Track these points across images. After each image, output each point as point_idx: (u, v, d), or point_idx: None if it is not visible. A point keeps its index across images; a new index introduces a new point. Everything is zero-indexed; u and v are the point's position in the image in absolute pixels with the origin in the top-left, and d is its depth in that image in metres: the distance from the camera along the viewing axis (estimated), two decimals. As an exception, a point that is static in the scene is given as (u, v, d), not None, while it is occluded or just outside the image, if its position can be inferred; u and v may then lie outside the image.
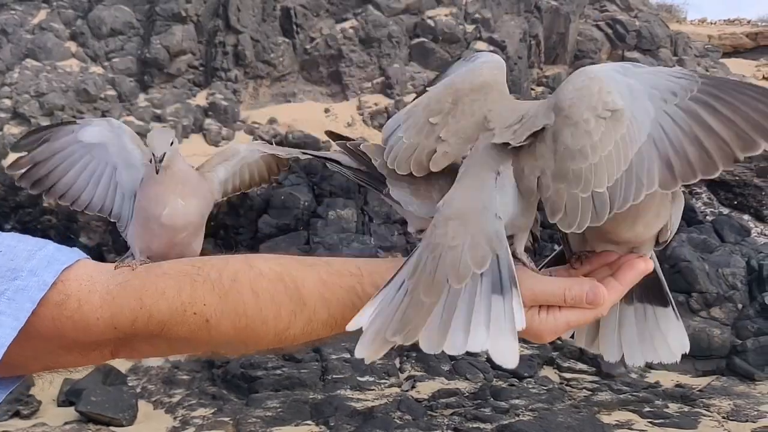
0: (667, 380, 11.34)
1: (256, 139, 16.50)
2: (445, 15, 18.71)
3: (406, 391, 10.71)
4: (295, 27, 17.88)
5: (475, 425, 9.65)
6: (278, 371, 10.92)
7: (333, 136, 1.34)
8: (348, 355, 11.12)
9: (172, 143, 1.30)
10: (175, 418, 10.51)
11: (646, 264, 1.11)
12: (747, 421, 10.11)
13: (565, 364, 11.35)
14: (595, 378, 11.33)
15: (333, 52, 17.95)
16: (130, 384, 11.31)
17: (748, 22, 28.40)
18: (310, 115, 17.16)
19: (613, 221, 1.11)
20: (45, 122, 15.76)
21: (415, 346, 0.93)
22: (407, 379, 11.07)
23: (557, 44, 19.93)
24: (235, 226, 15.04)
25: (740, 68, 22.96)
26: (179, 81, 17.22)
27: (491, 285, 0.93)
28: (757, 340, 11.96)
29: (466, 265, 0.94)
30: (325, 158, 1.24)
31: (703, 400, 10.72)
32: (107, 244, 14.53)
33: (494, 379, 11.05)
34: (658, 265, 1.20)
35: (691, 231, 15.26)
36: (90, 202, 1.34)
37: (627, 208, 0.98)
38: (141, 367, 11.69)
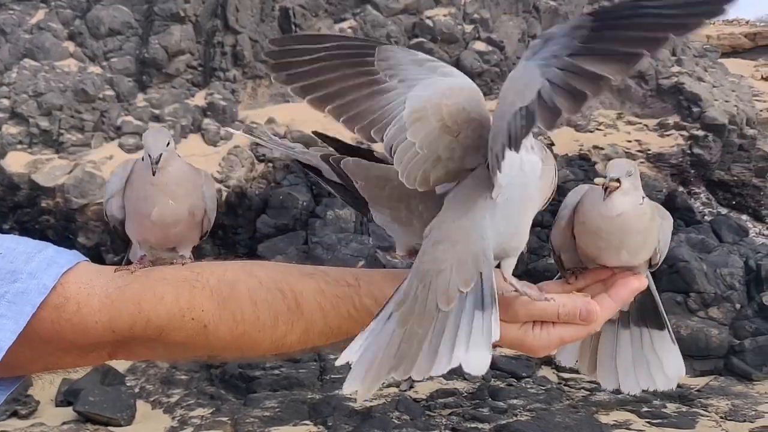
0: (665, 380, 11.36)
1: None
2: (444, 15, 18.71)
3: (405, 391, 10.71)
4: (293, 27, 17.87)
5: (473, 425, 9.66)
6: (276, 371, 10.93)
7: (320, 136, 1.29)
8: (346, 355, 11.10)
9: (168, 144, 1.27)
10: (173, 418, 10.51)
11: (639, 282, 1.12)
12: (745, 420, 10.14)
13: (563, 365, 11.37)
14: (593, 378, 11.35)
15: (331, 52, 17.95)
16: (128, 384, 11.31)
17: (747, 22, 28.46)
18: (309, 115, 17.04)
19: (597, 248, 1.12)
20: (43, 122, 15.77)
21: None
22: (405, 379, 11.07)
23: (556, 44, 19.95)
24: (233, 226, 15.04)
25: (738, 68, 22.98)
26: (178, 81, 17.21)
27: (474, 302, 0.95)
28: (754, 340, 11.98)
29: (454, 287, 0.96)
30: (307, 166, 1.22)
31: (701, 400, 10.75)
32: (105, 244, 14.52)
33: (492, 380, 11.05)
34: (654, 286, 1.20)
35: (690, 231, 15.28)
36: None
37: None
38: (139, 368, 11.69)
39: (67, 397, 10.60)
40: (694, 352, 11.79)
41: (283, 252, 13.15)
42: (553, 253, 1.22)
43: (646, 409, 10.22)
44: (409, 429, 9.42)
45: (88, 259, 1.13)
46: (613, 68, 0.89)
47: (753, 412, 10.40)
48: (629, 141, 19.03)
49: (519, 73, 0.98)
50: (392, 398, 10.40)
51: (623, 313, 1.21)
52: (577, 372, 1.32)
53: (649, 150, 18.84)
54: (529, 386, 11.07)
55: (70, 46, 17.25)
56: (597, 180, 1.13)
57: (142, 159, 1.28)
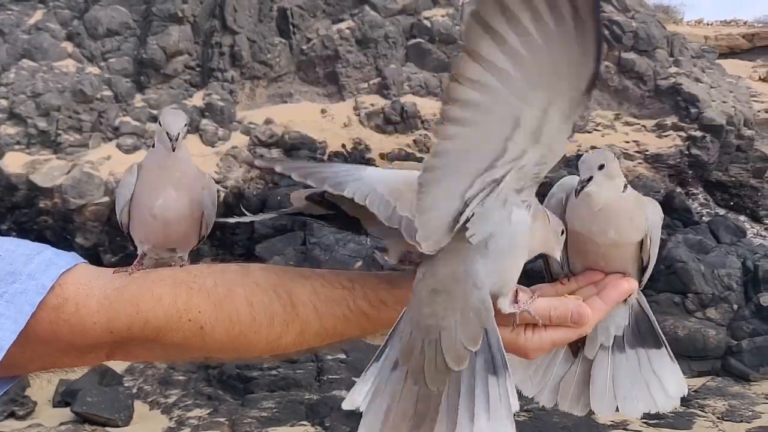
0: (663, 381, 11.37)
1: (253, 140, 16.51)
2: (442, 16, 18.73)
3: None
4: (291, 27, 17.88)
5: (470, 426, 9.66)
6: (274, 372, 10.93)
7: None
8: (343, 356, 11.12)
9: (185, 125, 1.31)
10: (170, 419, 10.51)
11: (629, 284, 1.13)
12: (742, 421, 10.15)
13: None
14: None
15: (329, 53, 17.96)
16: (126, 384, 11.30)
17: (745, 23, 28.52)
18: (307, 115, 17.16)
19: (586, 224, 1.12)
20: (41, 123, 15.77)
21: None
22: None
23: (554, 45, 19.97)
24: (231, 226, 15.04)
25: (736, 69, 23.02)
26: (176, 81, 17.21)
27: (485, 364, 0.96)
28: (752, 341, 12.00)
29: (462, 346, 0.97)
30: (294, 214, 1.25)
31: (698, 400, 10.76)
32: (103, 244, 14.52)
33: (490, 380, 11.07)
34: (647, 305, 1.21)
35: (687, 232, 15.29)
36: None
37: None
38: (137, 368, 11.69)
39: (65, 397, 10.59)
40: (691, 353, 11.81)
41: (281, 253, 13.16)
42: (543, 259, 1.22)
43: (643, 409, 10.24)
44: None
45: (86, 261, 1.15)
46: None
47: (750, 413, 10.41)
48: (627, 142, 19.06)
49: None
50: (390, 399, 10.40)
51: (618, 338, 1.21)
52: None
53: (646, 151, 18.86)
54: (526, 387, 11.09)
55: (68, 46, 17.25)
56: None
57: (153, 146, 1.32)
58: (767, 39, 25.93)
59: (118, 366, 11.40)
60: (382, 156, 16.80)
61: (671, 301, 12.38)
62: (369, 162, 16.42)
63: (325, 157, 16.44)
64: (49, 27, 17.25)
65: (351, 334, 1.13)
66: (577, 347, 1.22)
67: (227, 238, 14.88)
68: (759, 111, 21.45)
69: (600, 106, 19.92)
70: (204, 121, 16.59)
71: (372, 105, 17.67)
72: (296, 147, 16.38)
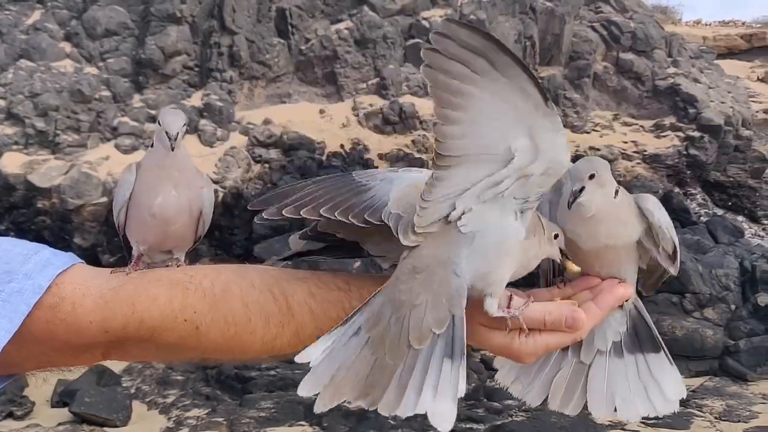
0: (661, 381, 11.38)
1: (252, 140, 16.51)
2: (440, 16, 18.73)
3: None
4: (290, 28, 17.88)
5: (468, 425, 9.67)
6: (272, 372, 10.93)
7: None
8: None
9: (184, 125, 1.32)
10: (169, 419, 10.51)
11: (625, 289, 1.14)
12: (739, 421, 10.17)
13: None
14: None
15: (328, 53, 17.96)
16: (124, 385, 11.30)
17: (743, 23, 28.55)
18: (305, 116, 17.16)
19: (578, 231, 1.13)
20: (39, 123, 15.76)
21: None
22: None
23: (552, 45, 19.97)
24: (230, 226, 15.04)
25: (734, 69, 23.05)
26: (174, 82, 17.21)
27: (445, 347, 0.99)
28: (749, 341, 12.01)
29: (428, 327, 0.99)
30: (295, 256, 1.26)
31: (696, 400, 10.77)
32: (102, 244, 14.51)
33: (488, 380, 11.07)
34: (645, 310, 1.21)
35: (685, 232, 15.32)
36: None
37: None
38: (135, 368, 11.69)
39: (63, 397, 10.59)
40: (689, 353, 11.82)
41: (280, 253, 13.13)
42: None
43: (641, 409, 10.24)
44: (404, 429, 9.43)
45: (83, 261, 1.15)
46: None
47: (747, 413, 10.43)
48: (625, 142, 19.08)
49: None
50: (388, 399, 10.41)
51: (616, 344, 1.21)
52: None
53: (645, 151, 18.88)
54: (524, 387, 11.09)
55: (67, 46, 17.24)
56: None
57: (152, 146, 1.33)
58: (765, 39, 25.96)
59: (117, 366, 11.40)
60: (381, 156, 16.80)
61: (669, 302, 12.39)
62: (367, 162, 16.41)
63: (324, 158, 16.44)
64: (47, 27, 17.24)
65: None
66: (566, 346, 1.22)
67: (226, 238, 14.89)
68: (757, 111, 21.48)
69: (598, 107, 19.93)
70: (202, 122, 16.58)
71: (370, 105, 17.68)
72: (295, 147, 16.38)
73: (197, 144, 16.06)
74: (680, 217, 17.06)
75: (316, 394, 0.97)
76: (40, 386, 10.22)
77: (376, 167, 16.56)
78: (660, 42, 20.64)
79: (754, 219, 19.37)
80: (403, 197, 1.11)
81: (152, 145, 1.33)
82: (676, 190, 18.69)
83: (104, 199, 14.37)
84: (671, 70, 20.27)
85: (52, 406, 10.70)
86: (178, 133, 1.29)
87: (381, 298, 1.02)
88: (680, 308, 12.47)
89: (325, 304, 1.11)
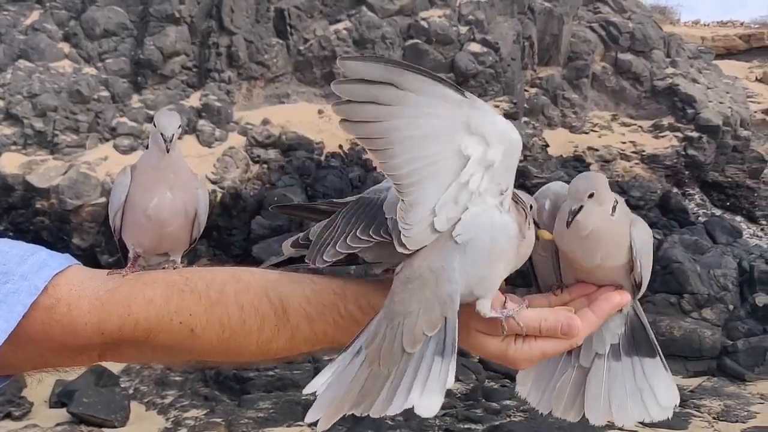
0: (659, 381, 11.39)
1: (250, 140, 16.51)
2: (439, 16, 18.74)
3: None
4: (288, 28, 17.89)
5: (466, 426, 9.68)
6: (270, 372, 10.93)
7: (282, 207, 1.42)
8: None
9: (179, 127, 1.32)
10: (167, 419, 10.51)
11: (621, 297, 1.13)
12: (737, 421, 10.18)
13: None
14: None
15: (327, 54, 17.96)
16: (122, 385, 11.30)
17: (741, 24, 28.57)
18: (304, 116, 17.16)
19: (574, 248, 1.13)
20: (38, 123, 15.75)
21: None
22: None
23: (551, 46, 19.99)
24: (228, 227, 15.04)
25: (733, 70, 23.07)
26: (173, 82, 17.21)
27: (436, 347, 1.00)
28: (747, 341, 12.02)
29: (420, 330, 1.00)
30: (287, 261, 1.26)
31: (694, 400, 10.78)
32: (100, 245, 14.51)
33: (486, 380, 11.08)
34: (642, 313, 1.21)
35: (683, 232, 15.33)
36: None
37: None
38: (134, 369, 11.68)
39: (61, 398, 10.58)
40: (687, 353, 11.83)
41: (278, 253, 13.14)
42: (531, 267, 1.23)
43: (639, 409, 10.24)
44: (402, 430, 9.43)
45: (80, 262, 1.16)
46: None
47: (745, 413, 10.44)
48: (624, 142, 19.09)
49: None
50: (387, 399, 10.40)
51: (614, 346, 1.21)
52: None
53: (643, 151, 18.89)
54: (523, 387, 11.09)
55: (65, 47, 17.23)
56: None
57: (146, 147, 1.33)
58: (764, 40, 25.98)
59: (115, 367, 11.39)
60: (379, 157, 16.78)
61: (667, 302, 12.40)
62: (366, 163, 16.42)
63: (322, 158, 16.44)
64: (45, 27, 17.23)
65: (341, 339, 1.13)
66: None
67: (224, 238, 14.89)
68: (755, 112, 21.50)
69: (597, 107, 19.95)
70: (201, 122, 16.58)
71: (369, 106, 17.66)
72: (293, 148, 16.37)
73: (196, 144, 16.06)
74: (678, 217, 17.07)
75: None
76: (39, 387, 10.22)
77: (374, 168, 16.56)
78: (658, 42, 20.65)
79: (752, 219, 19.39)
80: (395, 200, 1.11)
81: (147, 147, 1.33)
82: (675, 190, 18.70)
83: (103, 200, 14.37)
84: (669, 70, 20.29)
85: (51, 407, 10.69)
86: (173, 135, 1.29)
87: (379, 316, 1.03)
88: (678, 308, 12.48)
89: (321, 307, 1.11)
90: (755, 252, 14.90)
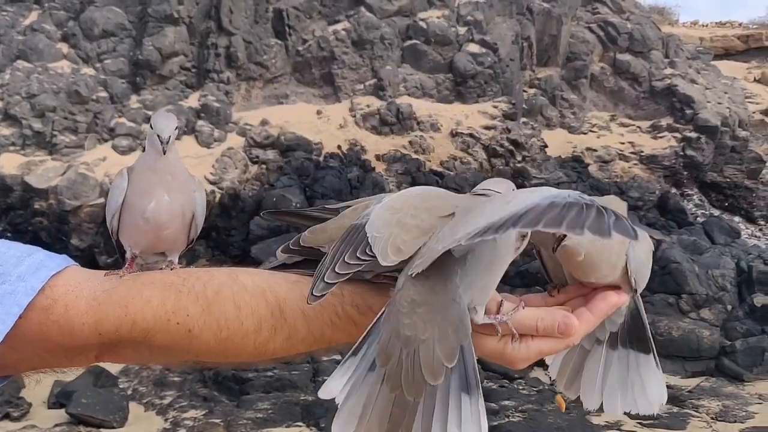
0: (657, 381, 11.40)
1: (249, 141, 16.51)
2: (438, 17, 18.75)
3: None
4: (287, 29, 17.89)
5: (465, 426, 9.66)
6: (269, 373, 10.93)
7: (274, 213, 1.40)
8: (339, 357, 11.12)
9: (176, 128, 1.32)
10: (166, 420, 10.50)
11: (619, 296, 1.13)
12: (735, 421, 10.18)
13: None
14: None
15: (325, 54, 17.97)
16: (121, 386, 11.29)
17: (740, 24, 28.58)
18: (303, 116, 17.16)
19: (567, 268, 1.13)
20: (36, 124, 15.75)
21: None
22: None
23: (549, 46, 20.01)
24: (226, 227, 15.04)
25: (731, 70, 23.09)
26: (171, 82, 17.21)
27: (459, 382, 0.99)
28: (746, 341, 12.02)
29: (439, 361, 0.99)
30: (280, 267, 1.26)
31: (692, 401, 10.78)
32: (98, 245, 14.50)
33: (485, 381, 11.08)
34: (642, 308, 1.21)
35: (682, 232, 15.34)
36: None
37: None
38: (132, 369, 11.68)
39: (60, 399, 10.58)
40: (685, 353, 11.84)
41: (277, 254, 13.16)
42: (539, 256, 1.23)
43: (637, 410, 10.25)
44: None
45: (77, 263, 1.16)
46: None
47: (743, 413, 10.44)
48: (622, 143, 19.11)
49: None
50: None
51: (612, 334, 1.21)
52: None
53: (642, 152, 18.91)
54: (521, 387, 11.11)
55: (64, 47, 17.24)
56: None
57: (144, 149, 1.33)
58: (762, 40, 25.99)
59: (113, 367, 11.39)
60: (378, 157, 16.81)
61: (665, 302, 12.41)
62: (364, 163, 16.42)
63: (321, 158, 16.44)
64: (44, 28, 17.23)
65: (339, 339, 1.13)
66: None
67: (222, 239, 14.89)
68: (754, 112, 21.52)
69: (595, 108, 19.97)
70: (200, 122, 16.58)
71: (368, 106, 17.69)
72: (292, 148, 16.37)
73: (194, 145, 16.06)
74: (677, 217, 17.09)
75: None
76: (37, 388, 10.21)
77: (373, 168, 16.57)
78: (657, 43, 20.67)
79: (750, 219, 19.41)
80: (377, 219, 1.10)
81: (144, 149, 1.33)
82: (673, 190, 18.73)
83: (101, 200, 14.36)
84: (668, 71, 20.31)
85: (49, 408, 10.69)
86: (170, 136, 1.29)
87: (386, 328, 1.02)
88: (677, 309, 12.49)
89: (318, 308, 1.10)
90: (753, 252, 14.91)
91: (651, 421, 9.91)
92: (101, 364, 10.73)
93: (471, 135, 17.49)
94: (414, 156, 16.97)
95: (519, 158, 17.36)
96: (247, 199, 15.33)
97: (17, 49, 16.89)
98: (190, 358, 1.17)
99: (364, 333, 1.03)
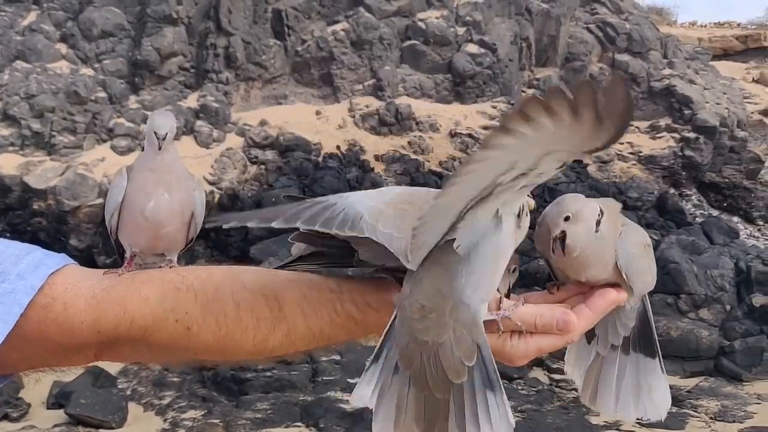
0: (656, 381, 11.41)
1: (248, 141, 16.51)
2: (437, 17, 18.76)
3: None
4: (286, 29, 17.89)
5: (464, 426, 9.67)
6: (268, 373, 10.93)
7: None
8: (338, 357, 11.13)
9: (174, 127, 1.32)
10: (165, 420, 10.50)
11: (618, 294, 1.13)
12: (734, 421, 10.20)
13: (555, 366, 11.39)
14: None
15: (324, 55, 17.97)
16: (120, 386, 11.29)
17: (738, 24, 28.59)
18: (302, 117, 17.16)
19: (563, 266, 1.14)
20: (35, 124, 15.75)
21: None
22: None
23: (548, 47, 20.01)
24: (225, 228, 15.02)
25: (730, 71, 23.10)
26: (170, 83, 17.20)
27: (482, 380, 1.02)
28: (744, 341, 12.04)
29: (459, 361, 1.01)
30: (290, 263, 1.25)
31: (691, 401, 10.80)
32: (97, 246, 14.50)
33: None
34: (650, 311, 1.21)
35: (680, 233, 15.34)
36: None
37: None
38: (131, 370, 11.67)
39: (59, 399, 10.58)
40: (684, 353, 11.85)
41: (276, 254, 13.15)
42: (546, 261, 1.23)
43: (636, 410, 10.26)
44: (400, 430, 9.43)
45: (76, 262, 1.16)
46: None
47: (742, 413, 10.46)
48: (621, 143, 19.10)
49: None
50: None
51: (625, 339, 1.21)
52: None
53: (640, 152, 18.92)
54: (520, 387, 11.12)
55: (62, 47, 17.23)
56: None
57: (143, 149, 1.33)
58: (760, 41, 26.01)
59: (112, 368, 11.39)
60: (377, 158, 16.81)
61: (664, 302, 12.42)
62: (363, 163, 16.43)
63: (320, 159, 16.44)
64: (43, 28, 17.22)
65: (338, 337, 1.13)
66: (592, 334, 1.22)
67: (221, 239, 14.88)
68: (752, 112, 21.52)
69: (594, 108, 19.96)
70: (198, 123, 16.58)
71: (367, 106, 17.69)
72: (291, 148, 16.37)
73: (193, 145, 16.06)
74: (675, 218, 17.09)
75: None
76: (36, 388, 10.21)
77: (372, 168, 16.57)
78: (655, 43, 20.68)
79: (749, 220, 19.41)
80: (381, 214, 1.08)
81: (143, 149, 1.33)
82: (672, 191, 18.73)
83: (100, 201, 14.36)
84: (666, 71, 20.32)
85: (48, 408, 10.69)
86: (166, 133, 1.29)
87: (402, 332, 1.03)
88: (675, 309, 12.50)
89: (317, 305, 1.11)
90: (752, 252, 14.92)
91: (650, 421, 9.91)
92: (100, 365, 10.73)
93: (470, 135, 17.50)
94: (413, 156, 16.98)
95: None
96: (246, 199, 15.33)
97: (16, 49, 16.89)
98: (189, 356, 1.17)
99: (381, 339, 1.04)
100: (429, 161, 17.04)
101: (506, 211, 1.05)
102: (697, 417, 10.32)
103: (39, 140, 15.79)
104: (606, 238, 1.12)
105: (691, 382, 11.47)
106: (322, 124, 17.20)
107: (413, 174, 16.41)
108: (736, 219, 19.10)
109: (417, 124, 17.58)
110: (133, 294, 1.10)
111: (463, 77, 18.29)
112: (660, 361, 1.22)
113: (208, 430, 9.99)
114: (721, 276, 13.11)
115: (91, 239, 14.66)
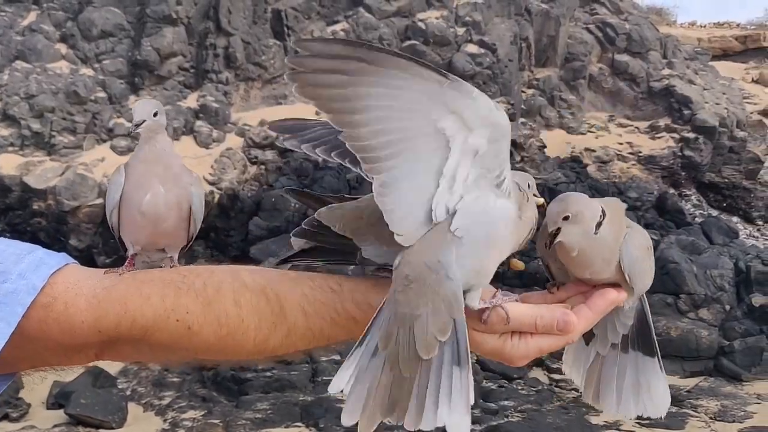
0: (656, 381, 11.41)
1: (248, 141, 16.51)
2: (436, 18, 18.75)
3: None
4: (286, 29, 17.89)
5: (464, 426, 9.67)
6: (268, 373, 10.93)
7: (295, 192, 1.39)
8: (338, 357, 11.12)
9: (156, 114, 1.31)
10: (165, 421, 10.51)
11: (618, 293, 1.13)
12: (734, 421, 10.20)
13: (554, 366, 11.40)
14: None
15: (324, 55, 17.96)
16: (120, 386, 11.30)
17: (738, 25, 28.61)
18: (301, 117, 17.14)
19: (564, 263, 1.14)
20: (35, 124, 15.74)
21: None
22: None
23: (547, 47, 20.01)
24: (225, 228, 15.03)
25: (729, 71, 23.11)
26: (170, 83, 17.20)
27: (451, 356, 1.00)
28: (744, 341, 12.05)
29: (432, 336, 1.00)
30: (291, 258, 1.25)
31: (691, 401, 10.80)
32: (97, 246, 14.50)
33: (484, 381, 11.09)
34: (648, 309, 1.21)
35: (680, 233, 15.35)
36: None
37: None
38: (131, 370, 11.68)
39: (59, 399, 10.58)
40: (684, 353, 11.86)
41: (276, 254, 13.16)
42: (543, 261, 1.23)
43: (636, 410, 10.26)
44: (400, 430, 9.43)
45: (77, 261, 1.16)
46: None
47: (742, 413, 10.47)
48: (620, 143, 19.12)
49: None
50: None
51: (624, 337, 1.22)
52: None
53: (640, 152, 18.92)
54: (520, 387, 11.12)
55: (62, 48, 17.22)
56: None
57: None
58: (760, 41, 26.03)
59: (112, 368, 11.39)
60: (377, 157, 16.80)
61: (664, 302, 12.42)
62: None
63: (320, 159, 16.42)
64: (42, 28, 17.22)
65: (339, 337, 1.13)
66: (590, 335, 1.22)
67: (221, 239, 14.89)
68: (751, 113, 21.53)
69: (594, 108, 19.97)
70: (198, 123, 16.58)
71: (366, 107, 17.68)
72: (291, 149, 16.36)
73: (193, 145, 16.06)
74: (675, 218, 17.10)
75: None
76: (36, 388, 10.21)
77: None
78: (655, 43, 20.69)
79: (748, 220, 19.42)
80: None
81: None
82: (671, 191, 18.73)
83: (100, 201, 14.36)
84: (666, 71, 20.32)
85: (48, 408, 10.69)
86: (143, 120, 1.29)
87: (386, 313, 1.03)
88: (675, 309, 12.51)
89: (318, 305, 1.11)
90: (752, 252, 14.94)
91: (649, 421, 9.92)
92: (100, 365, 10.74)
93: (469, 135, 17.49)
94: (412, 156, 16.98)
95: (518, 158, 17.37)
96: (246, 199, 15.34)
97: (16, 49, 16.88)
98: (190, 355, 1.17)
99: (369, 323, 1.04)
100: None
101: (497, 192, 1.05)
102: (697, 417, 10.32)
103: (39, 140, 15.79)
104: (607, 239, 1.12)
105: (691, 382, 11.48)
106: (322, 124, 17.19)
107: (413, 174, 16.40)
108: (735, 219, 19.10)
109: (417, 124, 17.58)
110: (134, 293, 1.10)
111: (462, 77, 18.17)
112: (659, 360, 1.22)
113: (208, 430, 10.00)
114: (720, 276, 13.12)
115: (91, 239, 14.66)
